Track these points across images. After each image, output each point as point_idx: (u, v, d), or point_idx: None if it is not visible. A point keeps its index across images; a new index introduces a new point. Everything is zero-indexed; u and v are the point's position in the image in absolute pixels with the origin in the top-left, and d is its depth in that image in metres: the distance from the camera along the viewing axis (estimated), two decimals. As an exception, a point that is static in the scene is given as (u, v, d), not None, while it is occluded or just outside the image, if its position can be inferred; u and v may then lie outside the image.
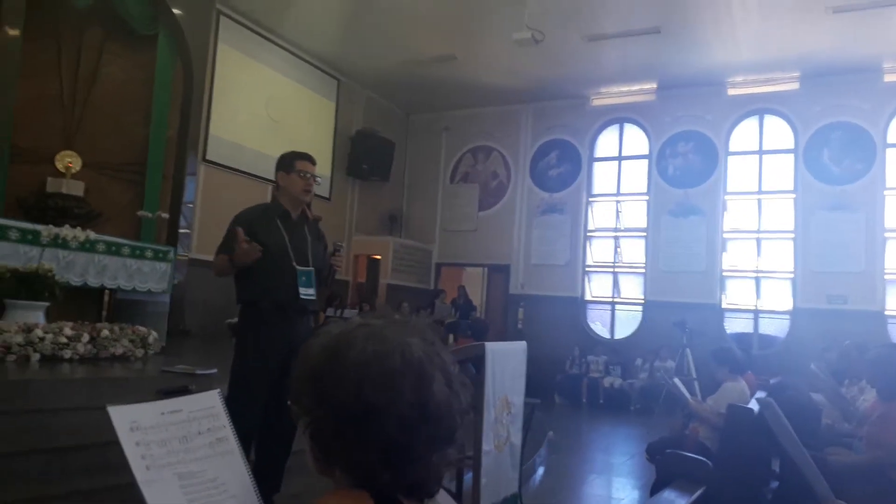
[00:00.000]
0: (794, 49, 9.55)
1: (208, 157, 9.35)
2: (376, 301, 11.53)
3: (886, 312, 9.87)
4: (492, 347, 3.01)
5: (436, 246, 13.17)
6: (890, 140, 10.12)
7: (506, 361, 3.16)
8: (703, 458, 2.40)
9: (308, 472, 1.01)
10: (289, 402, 1.00)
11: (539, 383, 8.17)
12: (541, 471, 5.80)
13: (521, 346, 3.42)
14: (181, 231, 8.61)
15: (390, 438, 0.91)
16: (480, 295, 13.14)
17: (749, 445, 2.76)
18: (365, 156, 12.02)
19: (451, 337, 10.56)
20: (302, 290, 3.31)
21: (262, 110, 10.24)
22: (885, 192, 10.04)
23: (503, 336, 11.23)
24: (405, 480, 0.94)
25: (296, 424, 1.00)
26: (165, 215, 8.01)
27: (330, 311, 9.75)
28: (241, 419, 2.88)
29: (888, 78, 9.96)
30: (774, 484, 3.67)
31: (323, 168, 10.85)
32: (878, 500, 1.47)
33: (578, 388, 10.76)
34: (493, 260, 12.63)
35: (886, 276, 9.97)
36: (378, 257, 12.30)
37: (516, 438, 3.21)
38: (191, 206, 8.90)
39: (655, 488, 2.91)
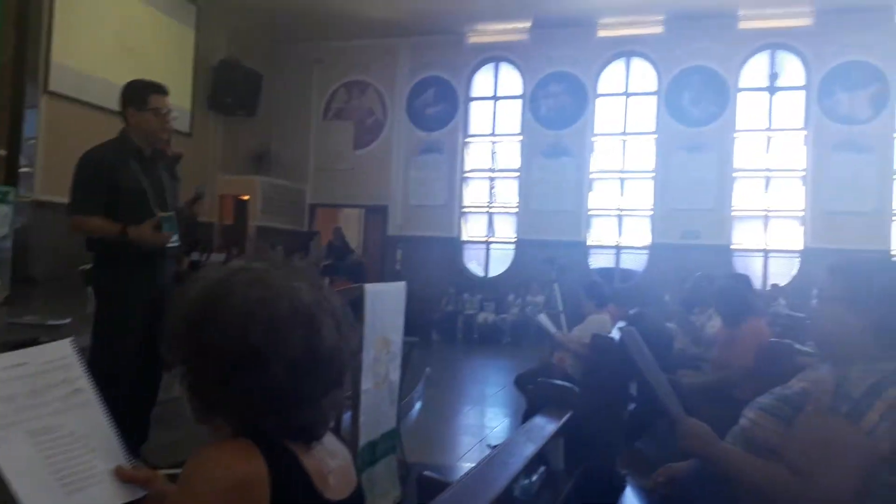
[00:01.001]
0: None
1: (51, 87, 8.44)
2: (246, 245, 11.15)
3: (733, 246, 10.93)
4: (371, 289, 3.03)
5: (309, 186, 12.83)
6: (742, 84, 10.98)
7: (385, 302, 3.19)
8: (570, 385, 2.59)
9: (177, 422, 0.98)
10: (163, 350, 0.96)
11: (417, 322, 8.32)
12: (418, 405, 6.01)
13: (400, 286, 3.47)
14: (22, 170, 7.81)
15: (279, 384, 0.90)
16: (358, 236, 13.08)
17: (610, 372, 2.99)
18: (229, 88, 11.34)
19: (327, 280, 10.47)
20: (167, 237, 3.12)
21: (113, 37, 9.32)
22: (735, 134, 10.95)
23: (381, 278, 11.29)
24: (293, 425, 0.94)
25: (162, 373, 0.97)
26: (2, 152, 7.21)
27: (195, 256, 9.31)
28: (111, 369, 2.74)
29: (743, 25, 10.71)
30: (632, 406, 4.04)
31: (182, 101, 10.14)
32: (723, 416, 1.68)
33: (454, 325, 11.14)
34: (370, 201, 12.53)
35: (734, 213, 10.99)
36: (246, 198, 11.81)
37: (395, 376, 3.29)
38: (32, 142, 8.06)
39: (527, 416, 3.12)
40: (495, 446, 2.26)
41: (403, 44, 12.30)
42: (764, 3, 10.25)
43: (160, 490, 1.06)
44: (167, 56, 10.27)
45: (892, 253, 10.20)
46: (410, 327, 3.90)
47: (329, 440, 1.02)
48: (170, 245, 3.15)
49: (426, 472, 2.11)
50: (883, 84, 10.22)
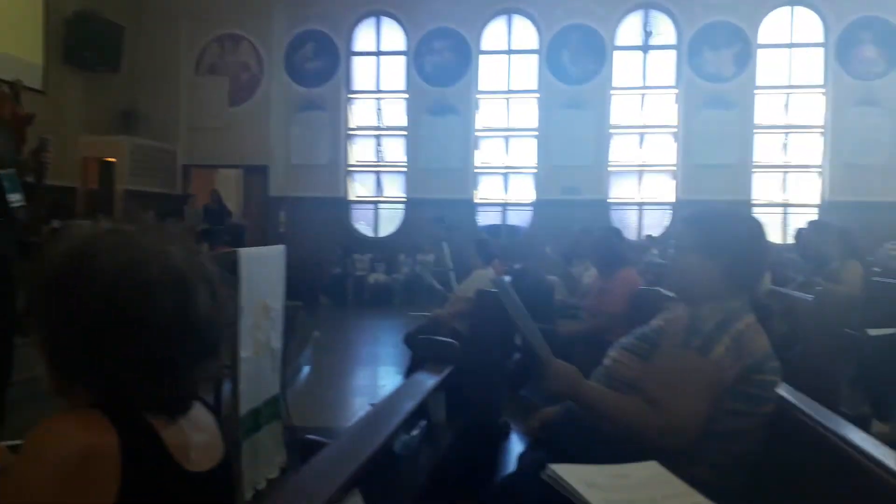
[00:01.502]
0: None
1: None
2: (114, 210, 10.42)
3: (609, 200, 11.49)
4: (246, 253, 2.94)
5: (181, 146, 12.12)
6: (618, 43, 11.40)
7: (262, 267, 3.11)
8: (451, 340, 2.66)
9: (38, 404, 0.92)
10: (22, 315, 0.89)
11: (304, 286, 8.24)
12: (306, 370, 5.96)
13: (279, 250, 3.39)
14: None
15: (147, 353, 0.87)
16: (237, 199, 12.54)
17: (494, 325, 3.09)
18: (87, 42, 10.37)
19: (205, 245, 10.03)
20: (9, 197, 2.86)
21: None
22: (612, 92, 11.42)
23: (264, 241, 10.93)
24: (158, 397, 0.90)
25: (13, 350, 0.90)
26: None
27: (56, 224, 8.61)
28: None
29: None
30: (517, 356, 4.22)
31: (32, 55, 9.24)
32: (597, 361, 1.79)
33: (344, 287, 11.07)
34: (249, 160, 12.01)
35: (610, 168, 11.53)
36: (112, 160, 10.99)
37: (276, 342, 3.23)
38: None
39: (409, 372, 3.18)
40: (374, 404, 2.29)
41: (279, -6, 11.74)
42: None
43: (1, 464, 0.99)
44: (11, 5, 9.24)
45: (753, 201, 11.13)
46: (296, 291, 3.83)
47: (197, 412, 0.99)
48: (12, 205, 2.89)
49: (308, 436, 2.11)
50: (745, 43, 10.95)
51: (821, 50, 11.03)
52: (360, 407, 4.91)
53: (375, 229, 12.22)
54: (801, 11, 11.05)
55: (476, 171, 11.86)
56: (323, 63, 11.87)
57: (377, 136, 12.21)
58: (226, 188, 12.31)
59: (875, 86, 10.71)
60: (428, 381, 2.15)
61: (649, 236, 10.98)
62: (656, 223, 11.48)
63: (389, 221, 12.11)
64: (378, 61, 12.10)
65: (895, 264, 8.13)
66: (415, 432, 1.82)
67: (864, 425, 3.79)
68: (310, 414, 4.41)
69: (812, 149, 11.23)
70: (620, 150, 11.59)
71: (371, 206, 12.26)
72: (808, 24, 11.08)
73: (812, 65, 11.14)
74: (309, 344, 6.39)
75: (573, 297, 5.30)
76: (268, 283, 3.14)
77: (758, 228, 1.76)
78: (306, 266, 9.51)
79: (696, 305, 1.69)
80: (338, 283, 11.10)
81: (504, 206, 11.93)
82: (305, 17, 11.80)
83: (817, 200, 11.14)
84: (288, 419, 3.56)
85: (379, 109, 12.17)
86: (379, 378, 6.15)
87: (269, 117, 11.89)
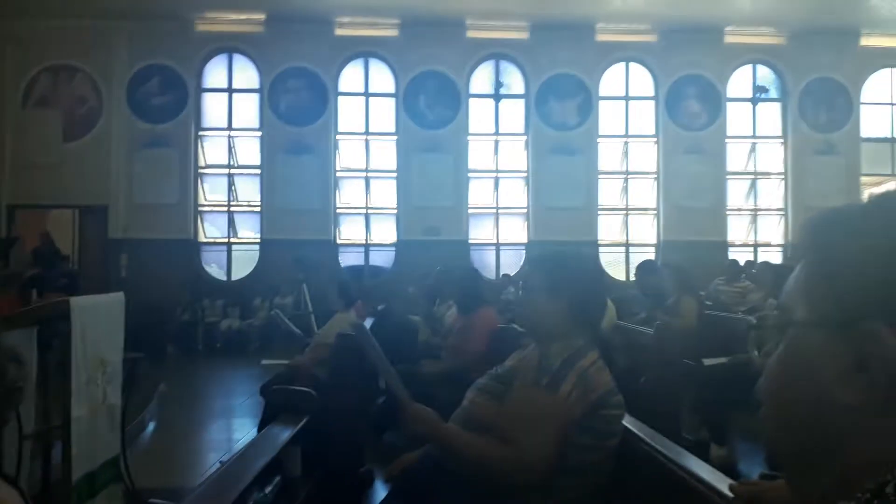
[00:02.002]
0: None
1: None
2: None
3: (470, 241, 11.85)
4: (79, 302, 2.70)
5: (6, 184, 11.01)
6: (472, 90, 11.93)
7: (98, 316, 2.87)
8: (307, 390, 2.59)
9: None
10: None
11: (150, 334, 7.70)
12: (152, 426, 5.53)
13: (117, 297, 3.15)
14: None
15: None
16: (72, 241, 11.51)
17: (355, 369, 3.04)
18: None
19: (34, 293, 9.09)
20: None
21: None
22: (469, 137, 11.87)
23: (105, 287, 10.11)
24: None
25: None
26: None
27: None
28: None
29: (470, 34, 11.63)
30: (382, 399, 4.17)
31: None
32: (460, 399, 1.82)
33: (194, 335, 10.44)
34: (86, 200, 11.13)
35: (470, 210, 11.92)
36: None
37: (115, 398, 2.97)
38: None
39: (262, 426, 3.04)
40: (224, 461, 2.16)
41: (119, 27, 11.06)
42: (487, 15, 11.28)
43: None
44: None
45: (599, 241, 11.93)
46: (140, 341, 3.56)
47: None
48: None
49: (152, 500, 1.94)
50: (587, 95, 11.86)
51: (652, 103, 12.18)
52: (211, 464, 4.61)
53: (228, 272, 11.71)
54: (636, 67, 12.18)
55: (337, 211, 11.78)
56: (170, 98, 11.35)
57: (230, 175, 11.80)
58: (59, 230, 11.25)
59: (699, 136, 11.99)
60: (282, 433, 2.07)
61: (506, 275, 11.41)
62: (513, 262, 11.95)
63: (244, 264, 11.65)
64: (230, 98, 11.78)
65: (724, 298, 9.03)
66: (269, 489, 1.74)
67: (703, 450, 4.11)
68: (156, 474, 4.07)
69: (648, 193, 12.29)
70: (478, 193, 12.04)
71: (223, 247, 11.76)
72: (642, 80, 12.22)
73: (646, 116, 12.26)
74: (154, 398, 5.96)
75: (436, 337, 5.35)
76: (104, 333, 2.90)
77: (597, 268, 1.91)
78: (152, 313, 8.90)
79: (545, 344, 1.77)
80: (187, 330, 10.44)
81: (366, 246, 11.91)
82: (151, 51, 11.25)
83: (654, 240, 12.14)
84: (129, 482, 3.27)
85: (232, 147, 11.80)
86: (234, 432, 5.82)
87: (110, 154, 11.14)
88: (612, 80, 12.17)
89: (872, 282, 0.57)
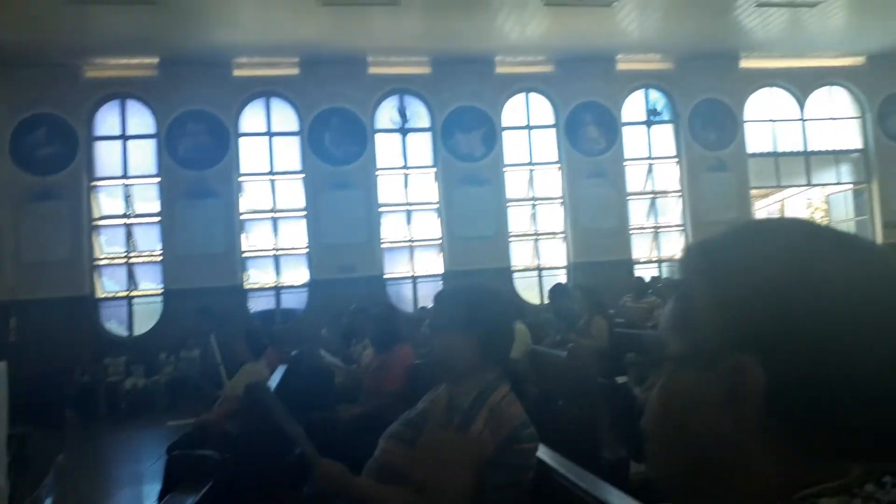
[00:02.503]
0: (292, 36, 10.41)
1: None
2: None
3: (385, 276, 11.79)
4: (-49, 375, 2.48)
5: None
6: (378, 126, 11.99)
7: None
8: (208, 453, 2.45)
9: None
10: None
11: (45, 402, 7.15)
12: (49, 503, 5.11)
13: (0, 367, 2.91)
14: None
15: None
16: (-50, 307, 10.64)
17: (266, 421, 2.92)
18: None
19: None
20: None
21: None
22: (377, 172, 11.88)
23: (-10, 354, 9.38)
24: None
25: None
26: None
27: None
28: None
29: (373, 70, 11.74)
30: (298, 449, 4.02)
31: None
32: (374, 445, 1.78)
33: (95, 397, 9.80)
34: (-35, 261, 10.35)
35: (384, 245, 11.88)
36: None
37: (1, 479, 2.73)
38: None
39: (163, 495, 2.84)
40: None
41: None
42: (388, 51, 11.43)
43: None
44: None
45: (512, 268, 12.15)
46: (33, 411, 3.31)
47: None
48: None
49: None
50: (490, 125, 12.16)
51: (554, 130, 12.62)
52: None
53: (130, 328, 11.11)
54: (535, 97, 12.62)
55: (244, 255, 11.47)
56: (59, 148, 10.78)
57: (127, 226, 11.28)
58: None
59: (600, 160, 12.49)
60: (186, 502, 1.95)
61: (424, 308, 11.39)
62: (430, 294, 11.94)
63: (146, 318, 11.08)
64: (125, 145, 11.32)
65: (633, 314, 9.37)
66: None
67: (623, 467, 4.18)
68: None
69: (556, 217, 12.65)
70: (391, 227, 12.04)
71: (123, 302, 11.17)
72: (542, 109, 12.66)
73: (549, 143, 12.67)
74: (51, 472, 5.52)
75: (353, 379, 5.25)
76: (-15, 408, 2.67)
77: (504, 301, 1.91)
78: (47, 378, 8.31)
79: (455, 382, 1.76)
80: (87, 393, 9.79)
81: (277, 289, 11.63)
82: (36, 100, 10.69)
83: (565, 263, 12.48)
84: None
85: (127, 196, 11.31)
86: (143, 499, 5.47)
87: (-8, 210, 10.44)
88: (513, 110, 12.55)
89: (738, 314, 0.58)
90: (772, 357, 0.56)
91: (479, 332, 1.77)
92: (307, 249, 11.59)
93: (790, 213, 19.39)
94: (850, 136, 13.55)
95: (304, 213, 11.62)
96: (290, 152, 11.69)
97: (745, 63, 12.88)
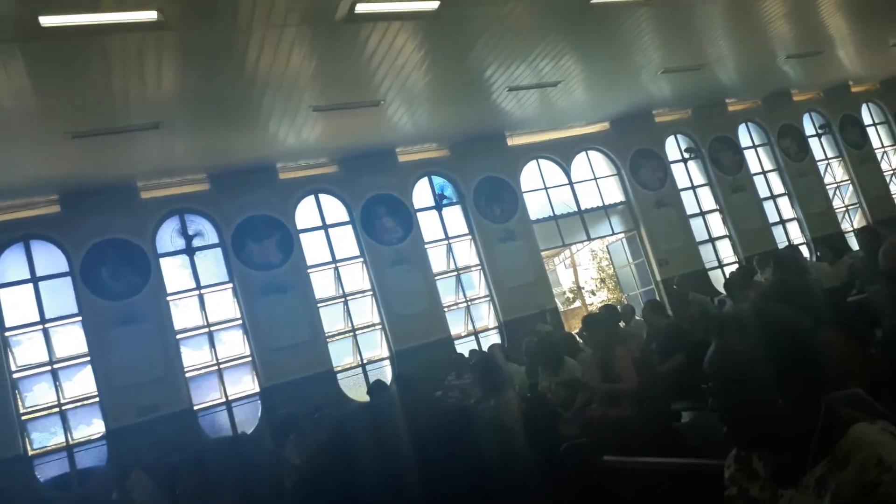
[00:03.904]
0: (45, 172, 9.65)
1: None
2: None
3: (196, 407, 10.89)
4: None
5: None
6: (160, 250, 11.29)
7: None
8: None
9: None
10: None
11: None
12: None
13: None
14: None
15: None
16: None
17: None
18: None
19: None
20: None
21: None
22: (168, 299, 11.12)
23: None
24: None
25: None
26: None
27: None
28: None
29: (144, 195, 11.15)
30: None
31: None
32: None
33: None
34: None
35: (188, 374, 11.02)
36: None
37: None
38: None
39: None
40: None
41: None
42: (159, 174, 10.95)
43: None
44: None
45: (335, 368, 11.85)
46: None
47: None
48: None
49: None
50: (284, 231, 11.99)
51: (349, 227, 12.75)
52: None
53: None
54: (326, 198, 12.72)
55: (23, 417, 10.03)
56: None
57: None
58: None
59: (400, 248, 12.77)
60: None
61: (244, 433, 10.67)
62: (250, 417, 11.25)
63: None
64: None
65: (458, 393, 9.49)
66: None
67: None
68: None
69: (369, 309, 12.63)
70: (193, 354, 11.25)
71: None
72: (335, 207, 12.77)
73: (348, 239, 12.75)
74: None
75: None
76: None
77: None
78: None
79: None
80: None
81: (69, 449, 10.24)
82: None
83: (387, 353, 12.43)
84: None
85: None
86: None
87: None
88: (306, 212, 12.52)
89: None
90: None
91: None
92: (97, 398, 10.39)
93: (581, 264, 21.21)
94: (613, 191, 15.20)
95: (88, 358, 10.48)
96: (62, 295, 10.57)
97: (512, 141, 14.09)
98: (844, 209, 17.46)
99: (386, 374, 12.28)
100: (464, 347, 12.36)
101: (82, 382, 10.52)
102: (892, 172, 18.47)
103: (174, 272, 11.40)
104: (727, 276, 9.83)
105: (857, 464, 1.26)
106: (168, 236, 11.43)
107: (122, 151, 9.64)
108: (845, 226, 16.95)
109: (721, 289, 10.07)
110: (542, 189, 14.53)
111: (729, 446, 1.59)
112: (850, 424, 1.33)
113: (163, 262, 11.27)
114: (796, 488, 1.37)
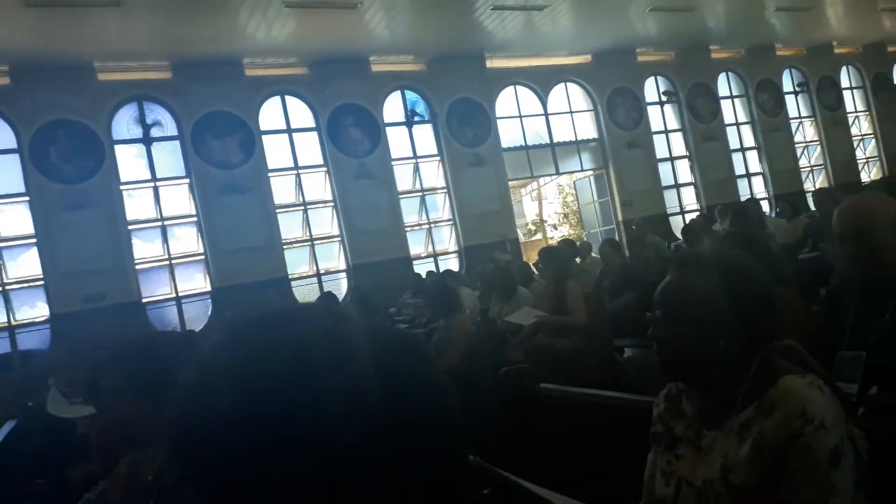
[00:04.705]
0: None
1: None
2: None
3: (144, 300, 10.81)
4: None
5: None
6: (115, 136, 10.90)
7: None
8: None
9: None
10: None
11: None
12: None
13: None
14: None
15: None
16: None
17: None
18: None
19: None
20: None
21: None
22: (121, 188, 10.83)
23: None
24: None
25: None
26: None
27: None
28: None
29: (102, 76, 10.63)
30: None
31: None
32: None
33: None
34: None
35: (138, 266, 10.88)
36: None
37: None
38: None
39: None
40: None
41: None
42: (120, 56, 10.43)
43: None
44: None
45: (290, 276, 11.82)
46: None
47: None
48: None
49: None
50: (247, 131, 11.64)
51: (315, 133, 12.45)
52: None
53: None
54: (292, 100, 12.33)
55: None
56: None
57: None
58: None
59: (366, 161, 12.57)
60: None
61: (191, 331, 10.65)
62: (199, 315, 11.24)
63: None
64: None
65: (411, 311, 9.58)
66: None
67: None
68: None
69: (329, 221, 12.52)
70: (145, 247, 11.07)
71: None
72: (301, 112, 12.41)
73: (312, 147, 12.48)
74: None
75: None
76: None
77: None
78: None
79: (137, 450, 1.56)
80: None
81: (11, 329, 10.13)
82: None
83: (344, 266, 12.43)
84: None
85: None
86: None
87: None
88: (270, 114, 12.15)
89: None
90: None
91: (158, 393, 1.59)
92: (42, 281, 10.22)
93: (547, 198, 21.28)
94: (587, 127, 15.10)
95: (34, 240, 10.22)
96: (10, 172, 10.18)
97: (491, 63, 13.75)
98: (809, 169, 17.76)
99: (341, 286, 12.32)
100: (422, 269, 12.41)
101: (27, 265, 10.31)
102: (860, 138, 18.75)
103: (129, 161, 11.06)
104: (686, 223, 10.01)
105: (783, 413, 1.31)
106: (125, 123, 11.00)
107: (81, 26, 9.12)
108: (808, 185, 17.27)
109: (679, 234, 10.27)
110: (516, 117, 14.35)
111: (662, 385, 1.64)
112: (781, 375, 1.38)
113: (118, 149, 10.91)
114: (720, 430, 1.43)
